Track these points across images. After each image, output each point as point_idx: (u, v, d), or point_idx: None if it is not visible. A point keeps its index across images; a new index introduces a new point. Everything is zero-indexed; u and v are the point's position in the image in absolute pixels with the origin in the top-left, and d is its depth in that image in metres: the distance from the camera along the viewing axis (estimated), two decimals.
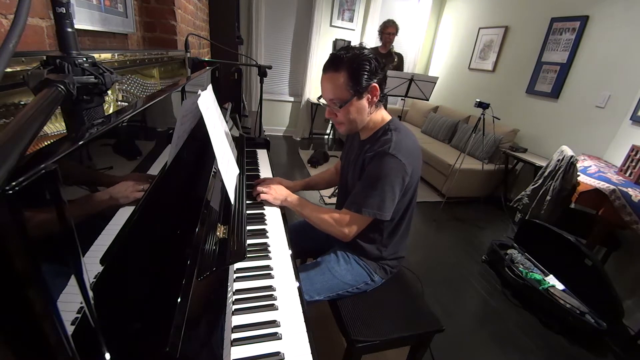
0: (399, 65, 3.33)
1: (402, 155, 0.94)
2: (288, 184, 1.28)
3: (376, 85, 0.94)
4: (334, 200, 2.77)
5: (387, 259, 1.12)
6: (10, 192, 0.23)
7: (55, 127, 0.55)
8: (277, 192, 1.14)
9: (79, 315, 0.32)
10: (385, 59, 3.28)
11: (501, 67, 3.64)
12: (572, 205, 2.22)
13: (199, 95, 0.73)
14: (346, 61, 0.91)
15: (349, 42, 4.42)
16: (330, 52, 4.54)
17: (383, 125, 1.03)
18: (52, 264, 0.29)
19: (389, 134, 0.99)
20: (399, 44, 4.54)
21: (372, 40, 4.38)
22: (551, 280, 1.92)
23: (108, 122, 0.44)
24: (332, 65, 0.93)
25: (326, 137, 4.96)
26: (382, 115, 1.04)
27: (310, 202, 1.14)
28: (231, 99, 2.36)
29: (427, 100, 3.07)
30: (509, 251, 2.18)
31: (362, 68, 0.91)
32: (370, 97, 0.96)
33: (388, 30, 3.11)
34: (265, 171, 1.46)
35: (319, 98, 1.06)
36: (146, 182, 0.60)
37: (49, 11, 0.76)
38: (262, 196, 1.14)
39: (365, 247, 1.10)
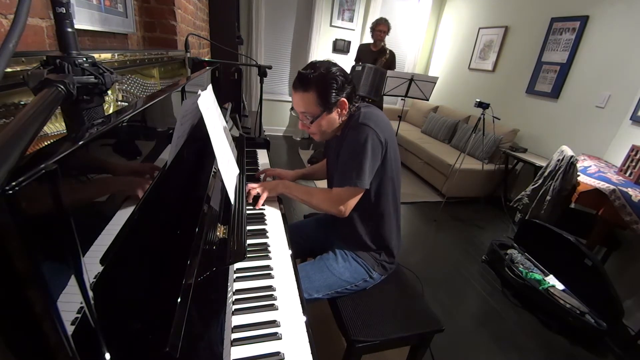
0: (391, 64, 3.32)
1: (372, 122, 0.97)
2: (288, 173, 1.35)
3: (345, 100, 0.99)
4: None
5: (386, 242, 1.12)
6: (10, 192, 0.23)
7: (55, 127, 0.55)
8: (268, 185, 1.16)
9: (79, 315, 0.32)
10: (377, 55, 3.29)
11: (501, 67, 3.63)
12: (572, 205, 2.22)
13: (199, 95, 0.73)
14: (314, 81, 0.95)
15: (349, 42, 4.43)
16: (330, 52, 4.55)
17: (352, 114, 1.07)
18: (52, 264, 0.29)
19: (358, 111, 1.04)
20: (398, 44, 4.54)
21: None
22: (551, 280, 1.92)
23: (108, 122, 0.44)
24: (301, 85, 0.97)
25: None
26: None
27: (302, 185, 1.16)
28: (231, 99, 2.35)
29: (427, 100, 3.08)
30: (509, 251, 2.18)
31: (329, 87, 0.96)
32: (340, 110, 1.01)
33: (379, 27, 3.15)
34: None
35: (291, 109, 1.09)
36: (151, 171, 0.60)
37: (49, 11, 0.76)
38: (263, 196, 1.14)
39: (361, 238, 1.11)
